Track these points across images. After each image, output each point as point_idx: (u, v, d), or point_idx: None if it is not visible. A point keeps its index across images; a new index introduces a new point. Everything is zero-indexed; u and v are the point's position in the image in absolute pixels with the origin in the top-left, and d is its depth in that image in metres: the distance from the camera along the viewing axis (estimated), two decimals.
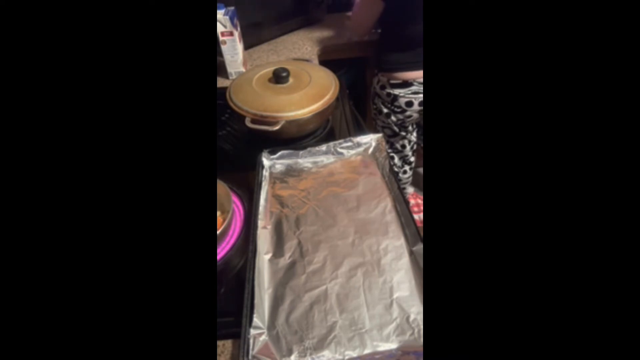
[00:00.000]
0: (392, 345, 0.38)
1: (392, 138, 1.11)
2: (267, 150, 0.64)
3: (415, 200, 1.56)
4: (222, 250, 0.51)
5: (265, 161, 0.64)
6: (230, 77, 0.96)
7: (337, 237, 0.51)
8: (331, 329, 0.40)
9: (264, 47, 1.12)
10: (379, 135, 0.66)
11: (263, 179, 0.61)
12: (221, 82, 0.94)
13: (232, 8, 0.88)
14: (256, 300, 0.42)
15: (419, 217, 1.44)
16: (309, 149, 0.64)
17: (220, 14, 0.85)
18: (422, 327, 0.39)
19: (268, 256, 0.49)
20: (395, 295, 0.43)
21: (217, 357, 0.41)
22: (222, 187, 0.54)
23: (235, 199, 0.59)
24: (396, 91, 0.98)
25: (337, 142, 0.65)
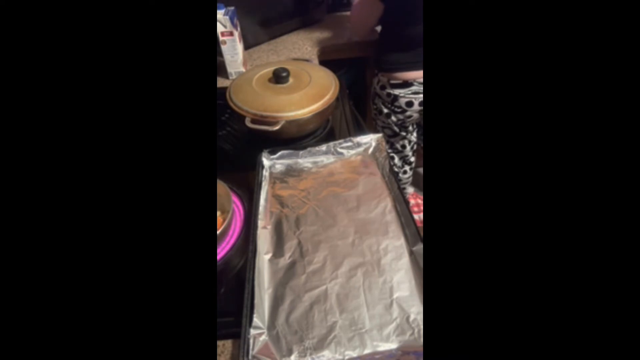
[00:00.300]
0: (392, 345, 0.38)
1: (392, 138, 1.11)
2: (267, 150, 0.64)
3: (415, 200, 1.56)
4: (222, 250, 0.51)
5: (265, 161, 0.64)
6: (230, 77, 0.96)
7: (337, 237, 0.51)
8: (331, 329, 0.40)
9: (264, 47, 1.12)
10: (379, 135, 0.66)
11: (263, 179, 0.61)
12: (221, 82, 0.94)
13: (232, 8, 0.88)
14: (256, 300, 0.42)
15: (419, 217, 1.44)
16: (309, 149, 0.64)
17: (220, 14, 0.85)
18: (422, 327, 0.39)
19: (268, 256, 0.49)
20: (395, 295, 0.43)
21: (217, 357, 0.41)
22: (222, 187, 0.54)
23: (235, 199, 0.59)
24: (396, 91, 0.98)
25: (337, 142, 0.65)
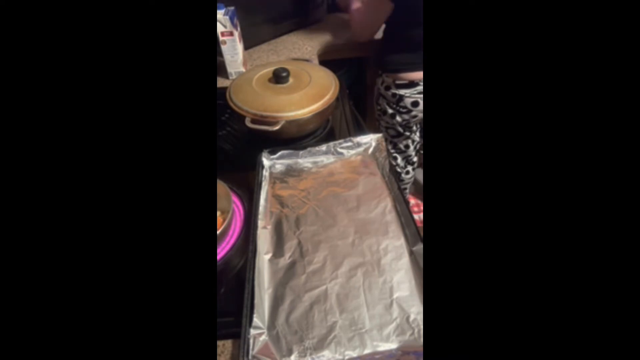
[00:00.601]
0: (392, 345, 0.38)
1: (395, 138, 1.11)
2: (267, 150, 0.64)
3: (415, 200, 1.56)
4: (222, 250, 0.51)
5: (265, 161, 0.64)
6: (230, 77, 0.96)
7: (337, 237, 0.51)
8: (331, 329, 0.40)
9: (264, 47, 1.12)
10: (379, 135, 0.66)
11: (263, 179, 0.61)
12: (221, 82, 0.94)
13: (232, 8, 0.88)
14: (256, 300, 0.42)
15: (419, 217, 1.44)
16: (309, 149, 0.64)
17: (220, 14, 0.85)
18: (422, 327, 0.39)
19: (268, 256, 0.49)
20: (395, 295, 0.43)
21: (217, 357, 0.41)
22: (222, 187, 0.54)
23: (235, 199, 0.59)
24: (402, 91, 0.98)
25: (337, 142, 0.65)
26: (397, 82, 0.97)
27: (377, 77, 1.05)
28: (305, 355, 0.38)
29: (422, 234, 0.46)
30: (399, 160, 1.18)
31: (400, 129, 1.07)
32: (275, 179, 0.61)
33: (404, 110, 1.01)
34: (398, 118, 1.04)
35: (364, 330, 0.40)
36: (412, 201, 1.56)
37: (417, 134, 1.12)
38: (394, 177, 0.59)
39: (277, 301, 0.43)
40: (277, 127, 0.63)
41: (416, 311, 0.41)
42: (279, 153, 0.64)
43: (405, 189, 1.31)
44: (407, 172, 1.23)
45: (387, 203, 0.55)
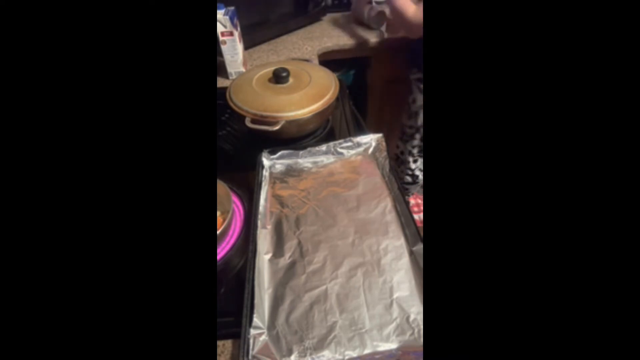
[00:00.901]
0: (392, 345, 0.38)
1: None
2: (267, 150, 0.64)
3: (415, 200, 1.56)
4: (222, 250, 0.51)
5: (265, 161, 0.64)
6: (230, 77, 0.96)
7: (337, 237, 0.51)
8: (331, 329, 0.40)
9: (264, 47, 1.12)
10: (379, 135, 0.66)
11: (263, 179, 0.61)
12: (221, 82, 0.94)
13: (232, 8, 0.88)
14: (256, 300, 0.42)
15: (419, 217, 1.44)
16: (309, 149, 0.64)
17: (220, 14, 0.85)
18: (422, 327, 0.39)
19: (268, 256, 0.49)
20: (395, 295, 0.43)
21: (217, 357, 0.41)
22: (222, 187, 0.54)
23: (235, 199, 0.59)
24: None
25: (337, 142, 0.65)
26: None
27: (411, 74, 1.04)
28: (305, 355, 0.38)
29: (422, 234, 0.46)
30: (420, 162, 1.17)
31: None
32: (275, 179, 0.61)
33: None
34: None
35: (364, 330, 0.40)
36: (412, 201, 1.56)
37: None
38: (394, 177, 0.59)
39: (277, 301, 0.43)
40: (277, 127, 0.63)
41: (416, 311, 0.41)
42: (279, 153, 0.64)
43: (418, 191, 1.29)
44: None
45: (387, 203, 0.55)
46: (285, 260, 0.48)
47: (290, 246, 0.50)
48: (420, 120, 1.08)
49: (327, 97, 0.67)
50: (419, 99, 1.05)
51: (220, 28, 0.86)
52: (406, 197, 1.07)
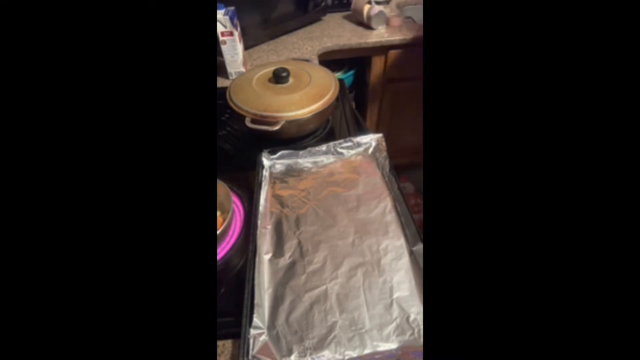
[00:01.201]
0: (392, 345, 0.38)
1: None
2: (267, 150, 0.64)
3: (415, 200, 1.56)
4: (222, 250, 0.51)
5: (265, 161, 0.64)
6: (230, 77, 0.96)
7: (337, 237, 0.51)
8: (331, 329, 0.40)
9: (264, 47, 1.12)
10: (379, 135, 0.66)
11: (263, 179, 0.61)
12: (221, 82, 0.94)
13: (232, 8, 0.88)
14: (256, 300, 0.42)
15: (419, 217, 1.44)
16: (309, 149, 0.65)
17: (220, 14, 0.85)
18: (422, 327, 0.39)
19: (268, 256, 0.49)
20: (395, 295, 0.43)
21: (217, 357, 0.41)
22: (222, 187, 0.54)
23: (235, 199, 0.59)
24: None
25: (337, 142, 0.65)
26: None
27: None
28: (305, 355, 0.38)
29: (422, 234, 0.46)
30: None
31: None
32: (275, 179, 0.61)
33: None
34: None
35: (364, 330, 0.40)
36: (412, 201, 1.56)
37: None
38: (394, 177, 0.59)
39: (277, 301, 0.43)
40: (277, 127, 0.63)
41: (416, 311, 0.41)
42: (279, 153, 0.64)
43: None
44: None
45: (387, 203, 0.55)
46: (285, 260, 0.48)
47: (290, 246, 0.50)
48: None
49: (327, 97, 0.67)
50: None
51: (220, 28, 0.86)
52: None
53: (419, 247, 0.48)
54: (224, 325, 0.42)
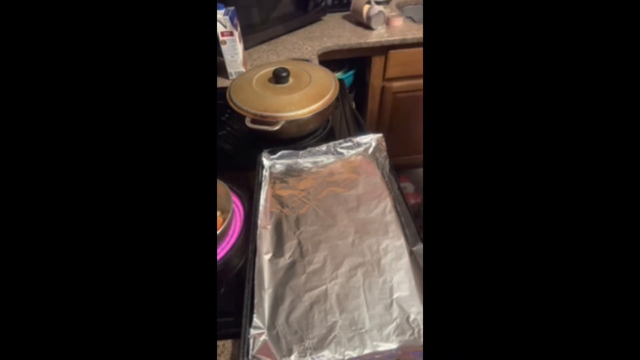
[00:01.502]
0: (392, 345, 0.38)
1: None
2: (267, 150, 0.64)
3: (415, 200, 1.56)
4: (222, 250, 0.51)
5: (265, 161, 0.64)
6: (230, 77, 0.96)
7: (337, 237, 0.51)
8: (331, 329, 0.40)
9: (264, 47, 1.12)
10: (379, 135, 0.66)
11: (263, 179, 0.61)
12: (221, 82, 0.94)
13: (232, 8, 0.88)
14: (256, 300, 0.42)
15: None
16: (309, 149, 0.65)
17: (220, 14, 0.85)
18: (422, 327, 0.39)
19: (268, 256, 0.49)
20: (395, 295, 0.43)
21: (217, 357, 0.41)
22: (222, 187, 0.54)
23: (235, 199, 0.59)
24: None
25: (337, 142, 0.65)
26: None
27: None
28: (305, 355, 0.38)
29: (422, 234, 0.46)
30: None
31: None
32: (275, 179, 0.61)
33: None
34: None
35: (364, 330, 0.40)
36: (412, 201, 1.56)
37: None
38: (394, 177, 0.59)
39: (277, 301, 0.43)
40: (277, 127, 0.63)
41: (416, 311, 0.41)
42: (279, 153, 0.64)
43: None
44: None
45: (387, 203, 0.55)
46: (285, 260, 0.48)
47: (290, 246, 0.50)
48: None
49: (327, 97, 0.67)
50: None
51: (220, 28, 0.86)
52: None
53: (419, 247, 0.48)
54: (224, 325, 0.42)
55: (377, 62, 1.20)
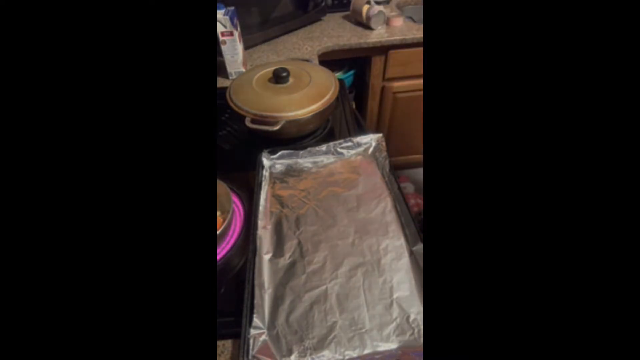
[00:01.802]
0: (392, 345, 0.38)
1: None
2: (267, 150, 0.64)
3: (415, 200, 1.56)
4: (222, 250, 0.51)
5: (265, 161, 0.64)
6: (230, 77, 0.96)
7: (337, 237, 0.51)
8: (331, 329, 0.40)
9: (264, 47, 1.12)
10: (379, 135, 0.66)
11: (263, 179, 0.61)
12: (221, 82, 0.94)
13: (232, 8, 0.88)
14: (256, 300, 0.42)
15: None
16: (309, 149, 0.65)
17: (220, 14, 0.85)
18: (422, 327, 0.39)
19: (268, 256, 0.49)
20: (395, 295, 0.43)
21: (217, 357, 0.41)
22: (222, 187, 0.54)
23: (235, 199, 0.59)
24: None
25: (337, 142, 0.65)
26: None
27: None
28: (305, 355, 0.38)
29: (422, 233, 0.46)
30: None
31: None
32: (275, 179, 0.61)
33: None
34: None
35: (364, 330, 0.40)
36: (412, 201, 1.56)
37: None
38: (394, 177, 0.59)
39: (277, 301, 0.43)
40: (277, 127, 0.63)
41: (416, 311, 0.41)
42: (279, 153, 0.64)
43: None
44: None
45: (387, 203, 0.55)
46: (285, 260, 0.48)
47: (290, 246, 0.50)
48: None
49: (327, 97, 0.67)
50: None
51: (220, 28, 0.86)
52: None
53: (419, 247, 0.48)
54: (224, 325, 0.42)
55: (377, 62, 1.20)
